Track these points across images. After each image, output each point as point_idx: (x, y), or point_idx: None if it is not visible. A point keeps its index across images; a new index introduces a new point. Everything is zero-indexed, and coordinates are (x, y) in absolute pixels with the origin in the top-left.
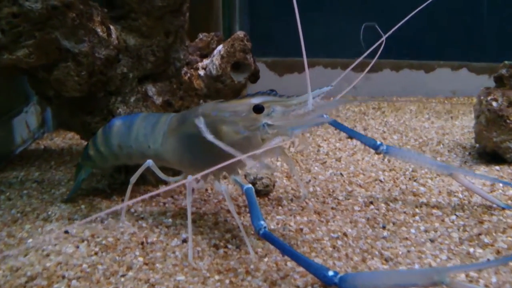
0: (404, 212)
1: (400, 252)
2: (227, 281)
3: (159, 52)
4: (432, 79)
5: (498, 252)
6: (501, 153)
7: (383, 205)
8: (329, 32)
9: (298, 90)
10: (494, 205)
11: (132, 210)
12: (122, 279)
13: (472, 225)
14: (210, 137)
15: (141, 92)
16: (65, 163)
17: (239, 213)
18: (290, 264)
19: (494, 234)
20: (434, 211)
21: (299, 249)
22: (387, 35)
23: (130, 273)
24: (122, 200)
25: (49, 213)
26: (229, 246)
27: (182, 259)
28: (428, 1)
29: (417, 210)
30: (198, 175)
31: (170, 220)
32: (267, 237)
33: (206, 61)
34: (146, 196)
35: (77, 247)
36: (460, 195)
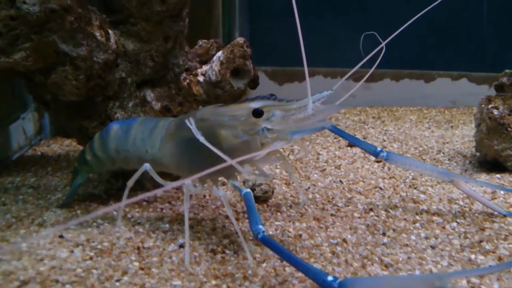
0: (405, 219)
1: (401, 259)
2: (224, 286)
3: (158, 57)
4: (432, 88)
5: (499, 259)
6: (502, 161)
7: (383, 212)
8: (329, 41)
9: (298, 99)
10: (496, 212)
11: (129, 215)
12: (117, 284)
13: (473, 232)
14: (201, 138)
15: (140, 97)
16: (62, 169)
17: (237, 219)
18: (289, 269)
19: (495, 241)
20: (434, 218)
21: (298, 255)
22: (386, 41)
23: (125, 278)
24: None
25: (45, 218)
26: (227, 251)
27: (179, 264)
28: (426, 9)
29: (417, 217)
30: (195, 176)
31: (167, 225)
32: (265, 241)
33: (205, 67)
34: (143, 196)
35: (72, 251)
36: (461, 202)
